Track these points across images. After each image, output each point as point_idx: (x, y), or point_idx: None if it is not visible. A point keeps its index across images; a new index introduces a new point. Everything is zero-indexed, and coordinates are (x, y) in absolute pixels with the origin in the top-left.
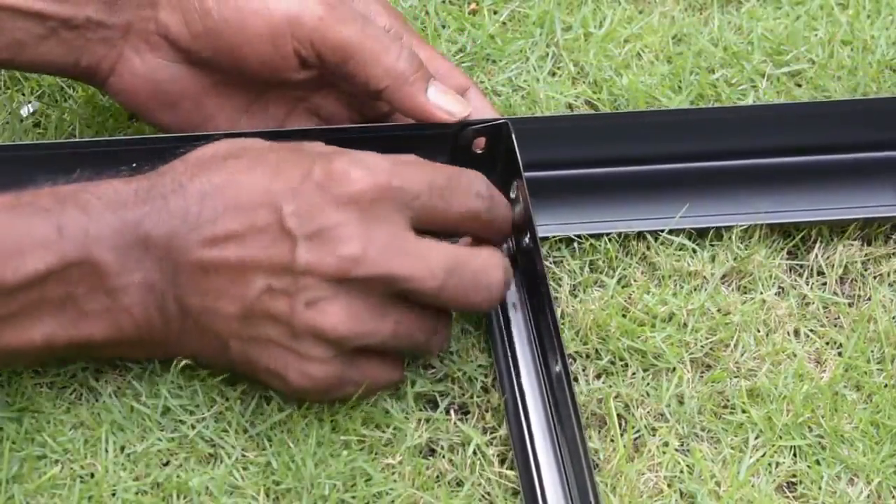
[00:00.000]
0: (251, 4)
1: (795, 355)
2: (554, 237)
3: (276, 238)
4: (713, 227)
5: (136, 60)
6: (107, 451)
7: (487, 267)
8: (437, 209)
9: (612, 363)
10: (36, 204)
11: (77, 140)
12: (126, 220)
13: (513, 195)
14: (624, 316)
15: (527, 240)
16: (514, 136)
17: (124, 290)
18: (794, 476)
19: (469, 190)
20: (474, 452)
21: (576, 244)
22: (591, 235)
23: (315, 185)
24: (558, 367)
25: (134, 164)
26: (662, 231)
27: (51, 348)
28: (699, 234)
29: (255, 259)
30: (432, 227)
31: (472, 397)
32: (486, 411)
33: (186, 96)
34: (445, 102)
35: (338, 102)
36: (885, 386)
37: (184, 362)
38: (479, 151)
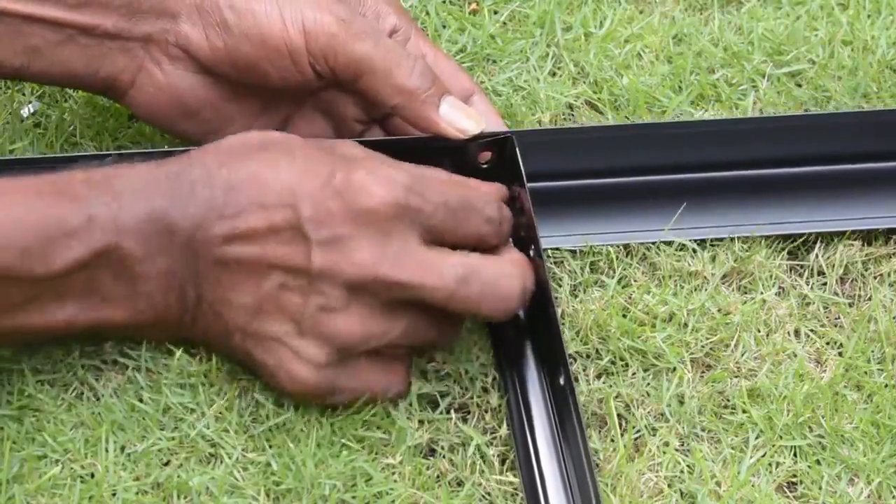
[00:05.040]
0: (269, 20)
1: (796, 355)
2: (553, 248)
3: (292, 239)
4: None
5: (157, 72)
6: (107, 450)
7: (501, 277)
8: (448, 229)
9: (613, 363)
10: (68, 192)
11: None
12: (154, 208)
13: (517, 207)
14: (624, 316)
15: (531, 251)
16: (518, 151)
17: (147, 277)
18: (795, 476)
19: (481, 214)
20: (474, 453)
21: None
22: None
23: (333, 192)
24: (562, 380)
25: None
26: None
27: (70, 329)
28: None
29: (272, 257)
30: (441, 243)
31: (472, 397)
32: (487, 412)
33: (206, 105)
34: (458, 120)
35: (346, 99)
36: (886, 386)
37: (179, 352)
38: (485, 165)
